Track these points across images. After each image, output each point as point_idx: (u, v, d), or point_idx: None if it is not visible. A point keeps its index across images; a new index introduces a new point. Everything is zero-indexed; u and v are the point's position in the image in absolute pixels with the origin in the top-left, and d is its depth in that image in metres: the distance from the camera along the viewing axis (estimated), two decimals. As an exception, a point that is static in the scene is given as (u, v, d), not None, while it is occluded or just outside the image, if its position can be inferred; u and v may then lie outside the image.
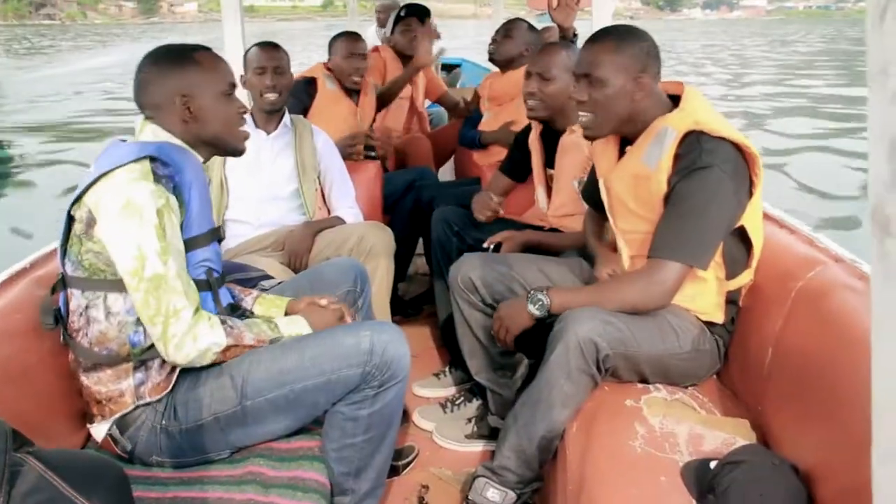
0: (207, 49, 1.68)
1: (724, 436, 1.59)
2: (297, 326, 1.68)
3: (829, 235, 1.86)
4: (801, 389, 1.52)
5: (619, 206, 1.89)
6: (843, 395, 1.35)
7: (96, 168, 1.51)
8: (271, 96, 2.57)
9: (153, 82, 1.61)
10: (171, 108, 1.60)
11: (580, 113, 1.85)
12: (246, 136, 1.72)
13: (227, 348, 1.55)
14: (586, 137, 1.91)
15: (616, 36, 1.84)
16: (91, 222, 1.48)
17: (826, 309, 1.54)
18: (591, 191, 2.12)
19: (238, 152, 1.72)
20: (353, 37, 3.46)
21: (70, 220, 1.52)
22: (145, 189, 1.46)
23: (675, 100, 1.84)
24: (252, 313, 1.81)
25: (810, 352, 1.51)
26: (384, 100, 3.80)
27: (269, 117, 2.63)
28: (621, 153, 1.92)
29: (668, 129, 1.75)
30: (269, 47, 2.65)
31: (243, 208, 2.52)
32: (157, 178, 1.49)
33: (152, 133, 1.60)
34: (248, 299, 1.83)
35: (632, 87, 1.79)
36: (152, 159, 1.50)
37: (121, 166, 1.48)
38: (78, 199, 1.51)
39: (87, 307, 1.53)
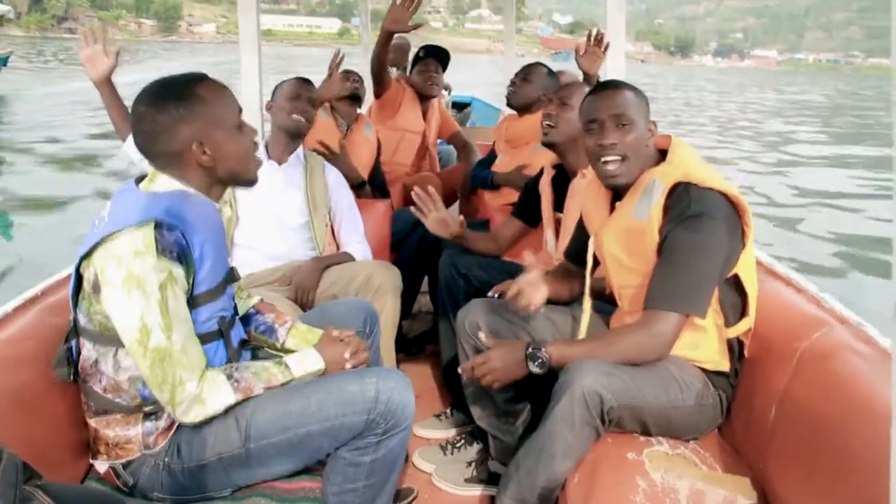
0: (206, 78, 1.58)
1: (724, 493, 1.59)
2: (309, 363, 1.67)
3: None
4: (807, 450, 1.52)
5: (613, 262, 1.90)
6: (851, 460, 1.35)
7: (109, 220, 1.48)
8: (298, 118, 2.65)
9: (164, 133, 1.50)
10: (188, 156, 1.52)
11: (608, 159, 1.82)
12: (259, 165, 1.66)
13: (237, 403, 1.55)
14: (610, 186, 1.89)
15: (625, 84, 1.89)
16: (97, 287, 1.46)
17: (833, 371, 1.55)
18: (574, 245, 2.14)
19: (252, 183, 1.66)
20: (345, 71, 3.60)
21: (79, 274, 1.50)
22: (147, 264, 1.41)
23: (662, 153, 1.87)
24: (283, 345, 1.82)
25: (817, 413, 1.52)
26: (374, 73, 3.81)
27: (284, 148, 2.66)
28: (611, 209, 1.93)
29: (656, 182, 1.78)
30: (306, 81, 2.79)
31: (252, 235, 2.54)
32: (162, 250, 1.42)
33: (165, 182, 1.54)
34: (282, 330, 1.83)
35: (647, 133, 1.84)
36: (157, 225, 1.43)
37: (125, 229, 1.43)
38: (87, 255, 1.47)
39: (96, 360, 1.53)
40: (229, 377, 1.54)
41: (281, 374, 1.61)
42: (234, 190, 2.47)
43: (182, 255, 1.47)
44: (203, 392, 1.49)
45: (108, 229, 1.45)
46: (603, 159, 1.83)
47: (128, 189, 1.56)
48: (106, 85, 2.38)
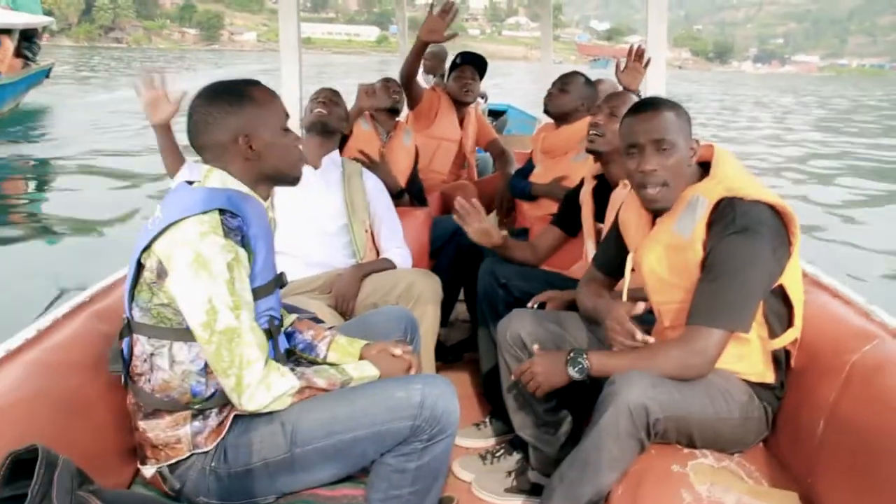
0: (259, 83, 1.67)
1: (771, 508, 1.56)
2: (365, 370, 1.69)
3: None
4: (859, 466, 1.49)
5: (653, 278, 1.87)
6: None
7: (165, 215, 1.51)
8: (320, 110, 2.73)
9: (213, 123, 1.58)
10: (233, 148, 1.58)
11: (648, 186, 1.80)
12: (303, 163, 1.71)
13: (301, 390, 1.57)
14: (653, 210, 1.87)
15: (665, 102, 1.85)
16: (161, 273, 1.48)
17: (886, 386, 1.52)
18: (606, 255, 2.12)
19: (296, 181, 1.70)
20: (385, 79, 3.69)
21: (139, 266, 1.52)
22: (215, 243, 1.46)
23: (703, 165, 1.85)
24: (324, 360, 1.81)
25: (868, 428, 1.48)
26: (404, 84, 3.81)
27: (317, 149, 2.70)
28: (652, 223, 1.91)
29: (700, 198, 1.75)
30: (329, 89, 2.88)
31: (290, 241, 2.53)
32: (227, 232, 1.48)
33: (220, 180, 1.59)
34: (322, 345, 1.83)
35: (688, 152, 1.81)
36: (221, 211, 1.49)
37: (190, 216, 1.47)
38: (147, 247, 1.50)
39: (151, 354, 1.55)
40: (292, 369, 1.57)
41: (339, 375, 1.64)
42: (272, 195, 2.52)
43: (244, 242, 1.52)
44: (269, 376, 1.51)
45: (169, 219, 1.48)
46: (643, 186, 1.81)
47: (181, 188, 1.60)
48: (164, 129, 2.43)
